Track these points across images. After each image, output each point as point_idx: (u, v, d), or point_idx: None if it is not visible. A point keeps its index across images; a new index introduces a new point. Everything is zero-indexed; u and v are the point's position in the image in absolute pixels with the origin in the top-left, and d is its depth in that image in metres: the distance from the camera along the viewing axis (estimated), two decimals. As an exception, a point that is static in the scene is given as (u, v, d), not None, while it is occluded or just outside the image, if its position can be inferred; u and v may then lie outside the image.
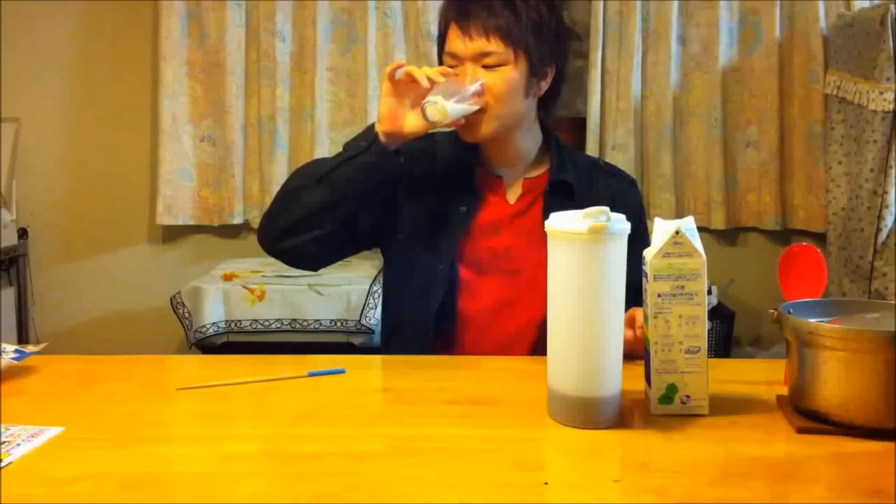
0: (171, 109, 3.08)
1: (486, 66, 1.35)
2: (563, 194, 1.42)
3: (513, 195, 1.46)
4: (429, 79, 1.28)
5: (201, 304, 2.65)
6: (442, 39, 1.42)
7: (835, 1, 2.99)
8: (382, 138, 1.32)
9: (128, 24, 3.16)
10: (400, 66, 1.31)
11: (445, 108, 1.27)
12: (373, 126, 1.36)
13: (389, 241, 1.48)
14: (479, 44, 1.34)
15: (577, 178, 1.45)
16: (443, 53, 1.42)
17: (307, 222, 1.36)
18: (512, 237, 1.42)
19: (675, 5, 3.05)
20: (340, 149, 1.38)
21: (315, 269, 1.49)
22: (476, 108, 1.32)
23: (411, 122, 1.31)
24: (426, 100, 1.28)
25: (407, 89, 1.31)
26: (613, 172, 1.56)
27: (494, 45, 1.34)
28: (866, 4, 2.90)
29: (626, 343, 1.06)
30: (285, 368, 1.24)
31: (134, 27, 3.16)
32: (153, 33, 3.12)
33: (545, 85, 1.43)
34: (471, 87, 1.31)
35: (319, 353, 1.35)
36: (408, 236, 1.44)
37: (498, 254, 1.42)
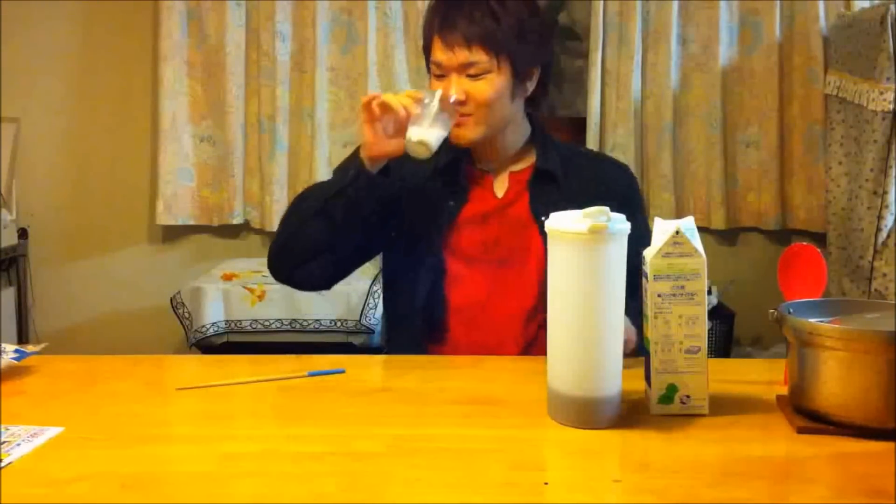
0: (171, 109, 3.07)
1: (470, 76, 1.36)
2: (547, 183, 1.44)
3: (500, 189, 1.47)
4: (405, 107, 1.28)
5: (201, 304, 2.65)
6: (427, 50, 1.43)
7: (835, 1, 2.98)
8: (368, 163, 1.34)
9: (128, 24, 3.16)
10: (374, 98, 1.31)
11: (429, 141, 1.28)
12: (358, 150, 1.37)
13: (385, 241, 1.50)
14: (462, 55, 1.35)
15: (561, 167, 1.46)
16: (429, 63, 1.43)
17: (315, 254, 1.40)
18: (500, 228, 1.44)
19: (675, 5, 3.04)
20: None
21: (328, 288, 1.49)
22: (454, 119, 1.33)
23: (395, 147, 1.32)
24: (407, 139, 1.28)
25: (385, 115, 1.31)
26: (599, 158, 1.58)
27: (477, 56, 1.35)
28: (866, 4, 2.89)
29: None
30: (285, 368, 1.24)
31: (134, 27, 3.15)
32: (153, 33, 3.11)
33: (531, 85, 1.44)
34: (444, 105, 1.30)
35: (319, 353, 1.35)
36: (399, 234, 1.46)
37: (487, 245, 1.44)
